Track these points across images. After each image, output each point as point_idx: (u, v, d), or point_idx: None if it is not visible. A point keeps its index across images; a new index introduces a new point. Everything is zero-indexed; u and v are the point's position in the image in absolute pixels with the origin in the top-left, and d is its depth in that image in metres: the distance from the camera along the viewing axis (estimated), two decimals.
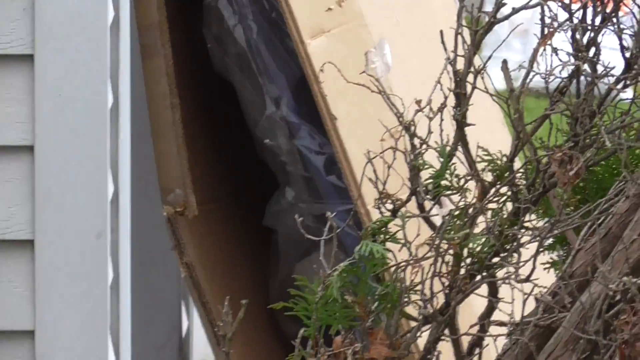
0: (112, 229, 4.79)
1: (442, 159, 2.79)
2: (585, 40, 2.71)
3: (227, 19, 5.07)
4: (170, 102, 5.15)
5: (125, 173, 5.03)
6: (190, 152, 5.18)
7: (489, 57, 2.87)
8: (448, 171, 2.81)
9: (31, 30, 4.38)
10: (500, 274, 2.72)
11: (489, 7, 2.79)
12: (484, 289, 2.78)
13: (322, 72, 4.59)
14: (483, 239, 2.75)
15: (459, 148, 2.78)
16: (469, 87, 2.76)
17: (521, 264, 2.65)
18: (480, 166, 2.79)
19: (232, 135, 5.52)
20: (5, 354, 4.63)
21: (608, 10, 2.73)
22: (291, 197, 5.10)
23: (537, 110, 3.18)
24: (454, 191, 2.84)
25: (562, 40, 2.78)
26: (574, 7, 2.74)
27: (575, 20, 2.72)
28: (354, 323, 2.80)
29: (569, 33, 2.71)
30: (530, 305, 2.67)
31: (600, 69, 2.67)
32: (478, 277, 2.75)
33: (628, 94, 2.79)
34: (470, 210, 2.75)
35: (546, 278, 2.85)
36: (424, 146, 2.81)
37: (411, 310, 2.69)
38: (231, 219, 5.72)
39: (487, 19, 2.76)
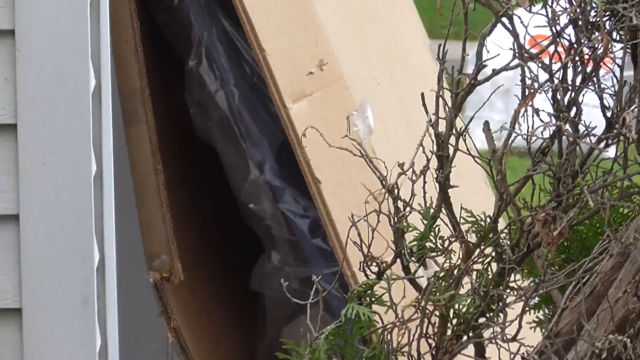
0: (98, 295, 4.65)
1: (425, 221, 2.86)
2: (566, 100, 2.79)
3: (209, 85, 5.07)
4: (153, 168, 5.13)
5: (110, 239, 4.83)
6: (175, 217, 5.16)
7: (471, 118, 2.91)
8: (432, 233, 2.89)
9: (13, 99, 4.30)
10: (486, 334, 2.81)
11: (470, 68, 2.86)
12: (470, 350, 2.88)
13: (304, 136, 4.48)
14: (468, 300, 2.84)
15: (443, 210, 2.85)
16: (451, 149, 2.82)
17: (507, 323, 2.73)
18: (464, 227, 2.85)
19: (216, 199, 5.51)
20: None
21: (588, 69, 2.78)
22: (277, 260, 5.06)
23: (521, 170, 3.22)
24: (439, 253, 2.89)
25: (543, 100, 2.86)
26: (555, 67, 2.81)
27: (556, 81, 2.79)
28: None
29: (550, 93, 2.79)
30: None
31: (581, 128, 2.73)
32: (464, 338, 2.84)
33: (610, 152, 2.81)
34: (455, 271, 2.83)
35: (532, 337, 2.99)
36: (408, 209, 2.85)
37: None
38: (217, 283, 5.68)
39: (468, 80, 2.80)
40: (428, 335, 2.91)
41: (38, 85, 4.35)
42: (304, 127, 4.52)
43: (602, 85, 2.82)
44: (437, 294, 2.90)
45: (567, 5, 2.94)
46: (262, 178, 5.06)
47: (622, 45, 2.85)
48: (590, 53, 2.88)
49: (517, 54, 2.89)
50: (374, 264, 3.02)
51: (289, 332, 4.49)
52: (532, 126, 2.75)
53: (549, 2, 2.93)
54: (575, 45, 2.86)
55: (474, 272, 2.91)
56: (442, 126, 2.87)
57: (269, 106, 4.99)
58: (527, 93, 2.78)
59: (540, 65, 2.84)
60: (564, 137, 2.82)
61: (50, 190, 4.54)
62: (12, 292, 4.53)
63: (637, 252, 2.84)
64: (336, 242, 4.70)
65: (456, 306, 2.91)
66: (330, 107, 4.91)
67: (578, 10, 2.90)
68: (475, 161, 2.88)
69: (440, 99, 2.84)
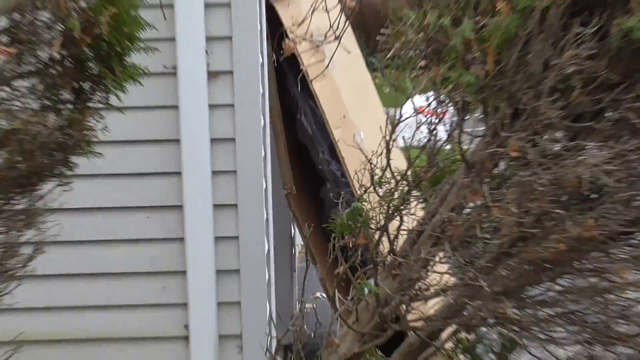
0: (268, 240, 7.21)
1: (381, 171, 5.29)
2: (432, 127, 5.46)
3: (305, 123, 8.45)
4: (286, 155, 8.80)
5: (266, 176, 7.25)
6: (292, 170, 8.72)
7: (397, 134, 5.47)
8: (386, 172, 5.21)
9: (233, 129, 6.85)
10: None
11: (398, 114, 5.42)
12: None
13: (338, 141, 8.14)
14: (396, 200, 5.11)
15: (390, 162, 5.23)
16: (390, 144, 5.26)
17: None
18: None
19: (308, 165, 8.97)
20: None
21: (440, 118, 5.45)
22: (328, 186, 8.71)
23: (414, 153, 6.06)
24: (389, 179, 5.25)
25: (424, 126, 5.33)
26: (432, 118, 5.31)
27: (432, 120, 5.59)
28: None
29: (427, 125, 5.36)
30: None
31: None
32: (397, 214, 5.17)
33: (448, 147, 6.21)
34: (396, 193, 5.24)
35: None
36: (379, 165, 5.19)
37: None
38: (308, 196, 9.12)
39: (397, 120, 5.42)
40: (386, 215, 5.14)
41: (242, 125, 6.69)
42: (338, 139, 8.08)
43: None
44: (387, 198, 5.09)
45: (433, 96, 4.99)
46: (324, 157, 8.54)
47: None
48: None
49: (415, 111, 5.14)
50: (363, 188, 5.32)
51: (334, 213, 5.78)
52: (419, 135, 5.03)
53: (429, 95, 5.09)
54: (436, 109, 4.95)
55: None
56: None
57: (325, 130, 8.46)
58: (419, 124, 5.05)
59: (424, 115, 4.99)
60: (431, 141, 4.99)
61: (260, 183, 6.94)
62: (233, 255, 6.71)
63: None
64: (350, 179, 8.22)
65: (393, 202, 5.06)
66: (347, 131, 8.22)
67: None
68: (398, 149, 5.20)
69: (386, 128, 5.09)
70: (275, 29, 7.96)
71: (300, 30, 8.27)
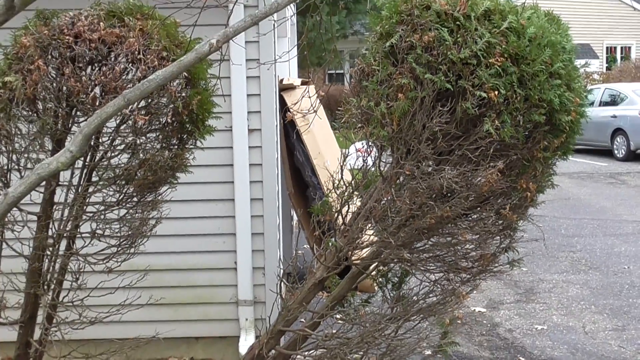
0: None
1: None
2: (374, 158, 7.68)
3: (297, 155, 8.50)
4: (288, 171, 8.61)
5: (278, 183, 6.72)
6: (291, 180, 8.72)
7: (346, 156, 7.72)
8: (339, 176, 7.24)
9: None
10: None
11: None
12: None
13: (316, 165, 8.22)
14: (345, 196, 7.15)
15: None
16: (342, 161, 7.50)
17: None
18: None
19: (299, 177, 8.85)
20: None
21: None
22: (310, 189, 8.62)
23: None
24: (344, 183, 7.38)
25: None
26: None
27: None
28: None
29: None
30: None
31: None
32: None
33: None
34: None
35: None
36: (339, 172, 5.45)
37: None
38: (299, 194, 8.95)
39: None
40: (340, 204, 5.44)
41: (266, 156, 6.52)
42: (315, 164, 8.79)
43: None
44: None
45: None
46: (308, 174, 8.51)
47: None
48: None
49: (356, 150, 6.85)
50: (329, 190, 5.94)
51: (314, 203, 6.40)
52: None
53: (363, 143, 6.71)
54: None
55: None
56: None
57: (309, 159, 8.43)
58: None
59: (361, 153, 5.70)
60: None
61: (275, 187, 6.61)
62: (260, 225, 6.44)
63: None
64: (322, 186, 8.21)
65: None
66: (321, 160, 8.23)
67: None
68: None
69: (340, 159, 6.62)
70: (283, 106, 8.07)
71: (296, 107, 8.32)
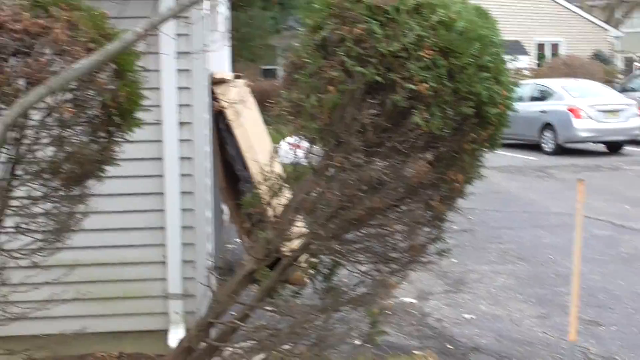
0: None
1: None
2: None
3: (230, 149, 8.38)
4: (220, 165, 8.41)
5: (209, 177, 6.65)
6: (223, 174, 8.62)
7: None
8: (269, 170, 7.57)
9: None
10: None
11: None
12: None
13: (247, 159, 8.28)
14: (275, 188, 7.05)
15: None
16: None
17: None
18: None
19: (229, 168, 8.69)
20: None
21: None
22: (242, 183, 8.38)
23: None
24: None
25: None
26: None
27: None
28: None
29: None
30: None
31: None
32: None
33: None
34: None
35: None
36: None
37: None
38: (231, 188, 8.81)
39: None
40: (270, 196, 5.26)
41: (197, 150, 6.34)
42: (247, 158, 8.73)
43: None
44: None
45: None
46: (240, 167, 8.34)
47: None
48: None
49: (288, 144, 6.83)
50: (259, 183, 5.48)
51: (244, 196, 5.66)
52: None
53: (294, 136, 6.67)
54: None
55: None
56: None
57: (241, 153, 8.28)
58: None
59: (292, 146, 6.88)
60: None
61: (205, 181, 6.54)
62: (191, 218, 6.39)
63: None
64: (253, 179, 7.85)
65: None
66: (252, 154, 8.07)
67: None
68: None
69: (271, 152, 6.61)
70: (215, 99, 8.01)
71: (228, 101, 8.31)
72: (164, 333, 6.33)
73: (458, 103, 4.78)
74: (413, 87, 4.59)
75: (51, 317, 5.36)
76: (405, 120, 4.75)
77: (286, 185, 5.19)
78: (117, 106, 4.42)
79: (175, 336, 6.04)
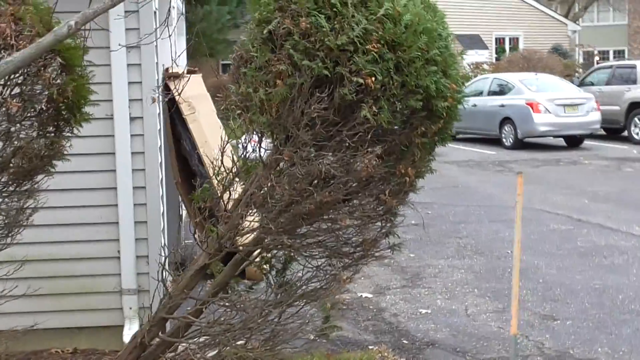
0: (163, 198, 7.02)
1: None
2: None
3: (185, 144, 8.42)
4: (174, 160, 8.49)
5: (161, 171, 6.65)
6: (178, 169, 8.57)
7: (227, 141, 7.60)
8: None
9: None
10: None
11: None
12: None
13: (202, 154, 8.80)
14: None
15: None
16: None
17: None
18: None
19: (184, 162, 8.67)
20: None
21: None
22: (198, 178, 8.03)
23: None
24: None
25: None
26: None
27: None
28: None
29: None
30: None
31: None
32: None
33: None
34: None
35: None
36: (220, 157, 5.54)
37: None
38: (185, 181, 8.51)
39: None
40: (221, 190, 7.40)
41: (148, 144, 6.34)
42: (202, 153, 8.98)
43: None
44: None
45: None
46: (195, 162, 8.35)
47: None
48: None
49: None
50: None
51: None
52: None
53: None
54: None
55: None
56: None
57: (196, 148, 8.29)
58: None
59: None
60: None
61: (157, 175, 6.52)
62: (143, 213, 6.37)
63: None
64: (208, 174, 9.03)
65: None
66: (207, 149, 8.02)
67: None
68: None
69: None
70: (168, 94, 7.99)
71: (183, 96, 8.30)
72: (119, 329, 6.33)
73: (406, 96, 4.85)
74: (361, 80, 4.64)
75: (4, 313, 5.39)
76: (354, 114, 4.79)
77: (238, 179, 5.22)
78: (64, 100, 4.42)
79: (130, 332, 6.05)
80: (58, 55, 4.38)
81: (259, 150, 5.16)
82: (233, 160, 5.29)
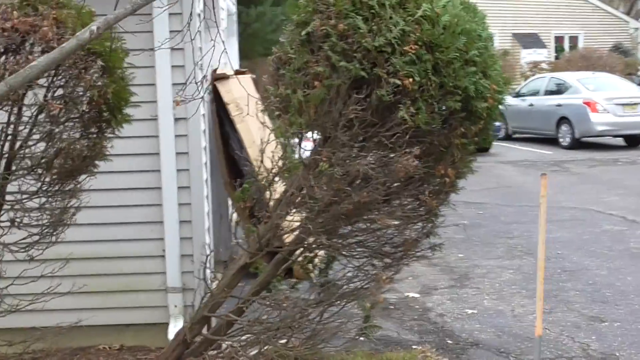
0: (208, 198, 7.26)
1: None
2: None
3: (233, 145, 8.54)
4: (223, 160, 8.49)
5: (206, 171, 6.90)
6: (227, 169, 8.60)
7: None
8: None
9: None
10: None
11: None
12: None
13: (250, 155, 8.87)
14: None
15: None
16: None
17: None
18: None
19: (236, 166, 8.67)
20: None
21: None
22: (245, 177, 8.93)
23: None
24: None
25: None
26: None
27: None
28: None
29: None
30: None
31: None
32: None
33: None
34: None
35: None
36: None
37: None
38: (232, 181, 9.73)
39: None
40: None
41: (192, 145, 6.38)
42: (250, 153, 9.06)
43: None
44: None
45: None
46: (243, 161, 8.15)
47: None
48: None
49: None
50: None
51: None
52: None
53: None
54: None
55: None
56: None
57: (243, 148, 8.27)
58: None
59: None
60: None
61: (202, 175, 6.55)
62: (188, 213, 6.44)
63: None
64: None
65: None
66: (255, 150, 8.55)
67: None
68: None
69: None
70: (217, 95, 8.08)
71: (231, 97, 8.39)
72: (164, 326, 6.40)
73: (444, 97, 4.88)
74: (398, 81, 4.69)
75: (52, 310, 5.44)
76: (392, 114, 4.83)
77: (276, 180, 5.28)
78: (105, 102, 4.51)
79: (175, 329, 6.10)
80: (99, 58, 4.45)
81: (299, 151, 5.21)
82: (273, 161, 5.31)
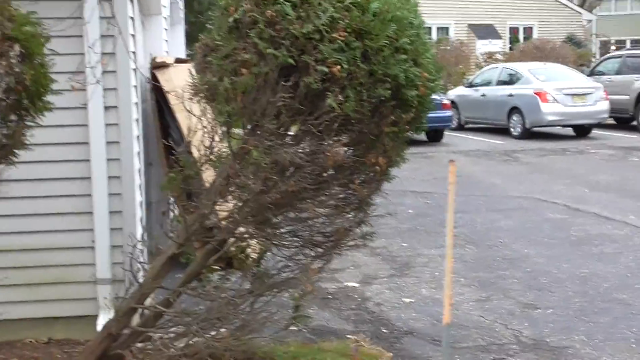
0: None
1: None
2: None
3: (173, 133, 8.74)
4: (162, 149, 8.26)
5: (139, 161, 7.37)
6: (165, 156, 8.80)
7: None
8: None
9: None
10: None
11: None
12: None
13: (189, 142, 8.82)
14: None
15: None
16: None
17: None
18: None
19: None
20: None
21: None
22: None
23: None
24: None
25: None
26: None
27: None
28: None
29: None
30: None
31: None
32: None
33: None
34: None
35: None
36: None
37: None
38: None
39: None
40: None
41: (123, 134, 6.23)
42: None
43: None
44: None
45: None
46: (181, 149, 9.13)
47: None
48: None
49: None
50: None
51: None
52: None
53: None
54: None
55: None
56: None
57: (184, 136, 8.69)
58: None
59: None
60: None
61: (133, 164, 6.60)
62: (118, 203, 6.32)
63: None
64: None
65: None
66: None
67: None
68: None
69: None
70: (157, 83, 7.98)
71: (171, 85, 8.29)
72: (94, 319, 6.30)
73: (374, 85, 4.80)
74: (326, 69, 4.61)
75: None
76: (320, 102, 4.75)
77: (202, 169, 5.21)
78: (24, 89, 4.39)
79: (104, 322, 5.99)
80: (17, 44, 4.33)
81: (228, 139, 5.13)
82: (199, 150, 5.23)
